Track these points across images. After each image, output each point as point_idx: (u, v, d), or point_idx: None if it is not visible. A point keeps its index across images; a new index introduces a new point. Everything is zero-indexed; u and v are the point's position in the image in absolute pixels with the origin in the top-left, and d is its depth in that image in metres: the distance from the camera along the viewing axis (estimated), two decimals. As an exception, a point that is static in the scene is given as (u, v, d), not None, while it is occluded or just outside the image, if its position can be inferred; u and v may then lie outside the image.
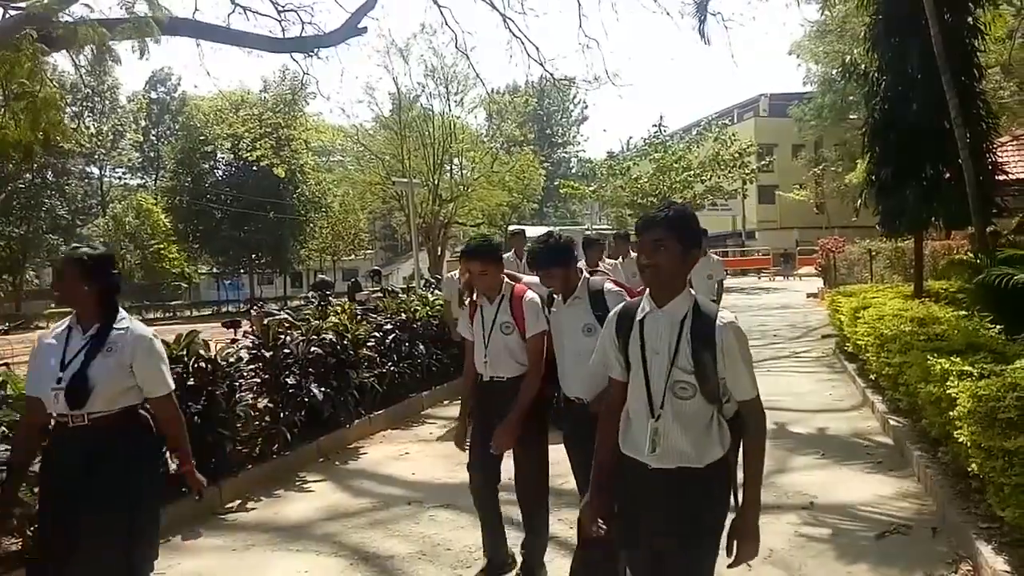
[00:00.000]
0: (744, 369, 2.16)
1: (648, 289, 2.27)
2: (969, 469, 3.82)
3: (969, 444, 3.64)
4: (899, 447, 5.60)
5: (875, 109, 8.90)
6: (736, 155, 32.64)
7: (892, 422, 5.99)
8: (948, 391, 4.03)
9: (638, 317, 2.25)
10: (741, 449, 2.26)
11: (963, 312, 6.49)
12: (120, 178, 59.10)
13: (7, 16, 7.32)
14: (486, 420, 3.61)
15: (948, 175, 8.40)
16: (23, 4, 7.41)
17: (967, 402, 3.65)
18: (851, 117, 34.30)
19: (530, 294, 3.60)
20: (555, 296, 3.42)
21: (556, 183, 41.67)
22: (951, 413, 3.91)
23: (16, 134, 6.18)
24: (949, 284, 9.29)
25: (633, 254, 7.61)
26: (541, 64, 16.47)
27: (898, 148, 8.52)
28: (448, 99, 31.66)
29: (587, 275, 3.41)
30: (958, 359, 4.39)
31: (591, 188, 36.35)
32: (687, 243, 2.18)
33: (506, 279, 3.69)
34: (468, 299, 3.92)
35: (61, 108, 6.81)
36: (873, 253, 17.12)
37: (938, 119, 8.02)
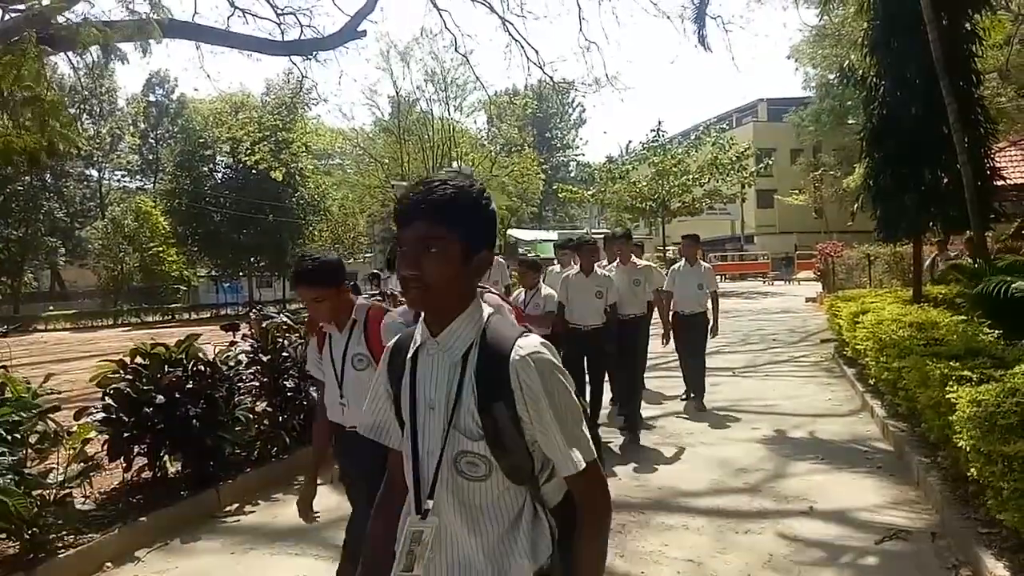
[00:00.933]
0: (557, 427, 1.35)
1: (424, 313, 1.47)
2: (969, 474, 3.82)
3: (968, 449, 3.64)
4: (898, 452, 5.60)
5: (873, 114, 8.91)
6: (734, 159, 32.67)
7: (891, 427, 5.99)
8: (947, 396, 4.03)
9: (410, 353, 1.49)
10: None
11: (962, 317, 6.49)
12: (119, 181, 59.09)
13: (6, 18, 7.33)
14: (362, 478, 2.76)
15: (946, 180, 8.41)
16: (21, 6, 7.42)
17: (966, 407, 3.65)
18: (849, 122, 34.37)
19: (388, 317, 2.94)
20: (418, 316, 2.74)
21: (554, 187, 41.70)
22: (950, 418, 3.91)
23: (21, 142, 6.17)
24: (948, 289, 9.31)
25: (637, 260, 7.20)
26: (540, 67, 16.58)
27: (896, 153, 8.53)
28: (447, 103, 31.71)
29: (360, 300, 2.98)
30: (957, 364, 4.39)
31: (590, 192, 36.38)
32: (472, 239, 1.39)
33: (359, 300, 3.07)
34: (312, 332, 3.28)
35: (66, 113, 6.79)
36: (872, 258, 17.14)
37: (936, 124, 8.04)
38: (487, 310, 1.47)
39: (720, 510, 4.69)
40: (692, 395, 7.84)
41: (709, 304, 7.71)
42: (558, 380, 1.38)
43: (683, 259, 7.95)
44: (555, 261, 7.73)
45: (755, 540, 4.16)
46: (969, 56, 8.41)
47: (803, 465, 5.59)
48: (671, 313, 7.77)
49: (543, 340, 1.40)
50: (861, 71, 9.57)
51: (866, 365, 7.46)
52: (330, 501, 5.23)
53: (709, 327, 7.71)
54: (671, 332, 7.74)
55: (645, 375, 7.84)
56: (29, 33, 6.24)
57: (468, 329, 1.43)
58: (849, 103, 30.90)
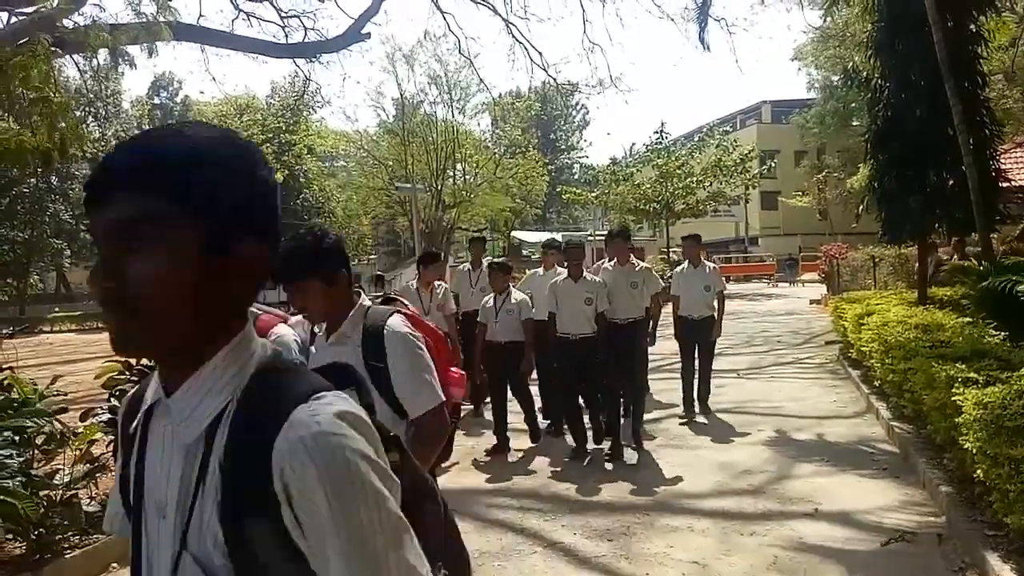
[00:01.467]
0: (344, 562, 0.77)
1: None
2: (975, 476, 3.81)
3: (975, 451, 3.63)
4: (904, 454, 5.59)
5: (878, 116, 8.89)
6: (738, 161, 32.63)
7: (897, 429, 5.98)
8: (954, 398, 4.02)
9: (138, 419, 0.94)
10: None
11: (968, 319, 6.48)
12: (124, 183, 59.18)
13: (13, 21, 7.37)
14: None
15: (952, 182, 8.39)
16: (29, 9, 7.46)
17: (973, 409, 3.64)
18: (853, 124, 34.35)
19: (279, 329, 2.56)
20: (315, 331, 2.39)
21: (558, 189, 41.73)
22: (957, 420, 3.90)
23: (34, 141, 6.22)
24: (954, 291, 9.28)
25: (637, 261, 6.76)
26: (544, 69, 16.59)
27: (901, 155, 8.51)
28: (451, 105, 31.75)
29: (366, 302, 2.25)
30: (963, 366, 4.38)
31: (594, 194, 36.35)
32: (221, 219, 0.83)
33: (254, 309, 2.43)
34: None
35: (73, 113, 6.83)
36: (876, 260, 17.10)
37: (941, 126, 8.01)
38: (259, 350, 0.89)
39: (725, 512, 4.68)
40: (691, 412, 7.34)
41: (717, 306, 7.41)
42: (356, 481, 0.78)
43: (686, 261, 7.66)
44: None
45: (760, 542, 4.15)
46: (974, 58, 8.39)
47: (808, 467, 5.58)
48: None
49: (346, 408, 0.82)
50: (865, 72, 9.56)
51: (871, 367, 7.44)
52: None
53: (714, 326, 7.37)
54: (677, 336, 7.47)
55: (648, 380, 7.67)
56: (39, 35, 6.27)
57: (219, 384, 0.85)
58: (853, 105, 30.86)
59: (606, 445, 6.21)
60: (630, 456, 6.04)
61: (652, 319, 6.73)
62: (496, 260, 6.89)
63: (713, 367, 7.70)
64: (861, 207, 10.01)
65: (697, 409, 7.42)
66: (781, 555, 3.95)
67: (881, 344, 6.67)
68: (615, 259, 6.61)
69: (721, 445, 6.34)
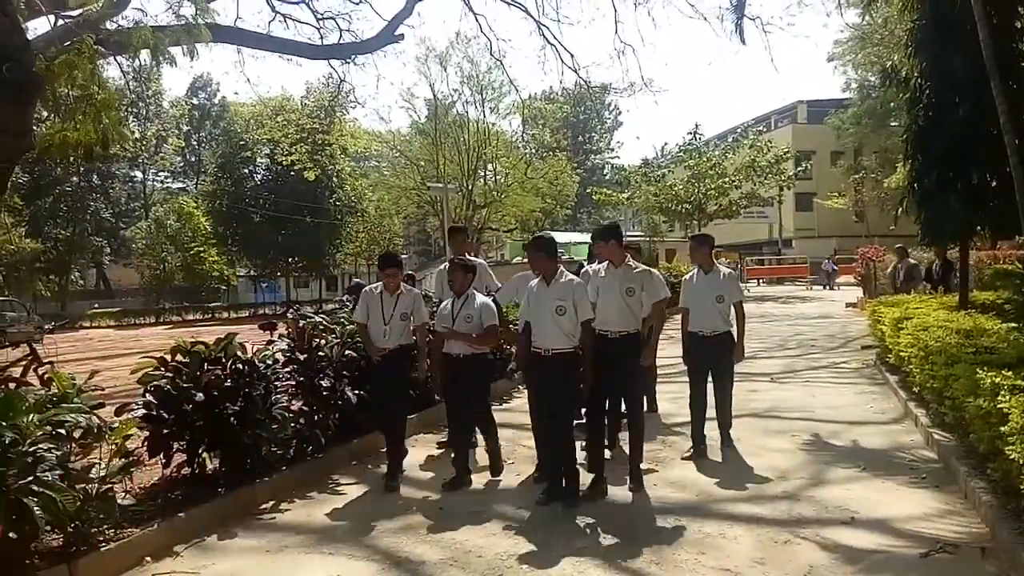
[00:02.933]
0: None
1: None
2: (1021, 487, 3.68)
3: (1022, 461, 3.51)
4: (944, 462, 5.43)
5: (918, 115, 8.70)
6: (772, 162, 32.19)
7: (936, 436, 5.82)
8: (999, 406, 3.89)
9: None
10: None
11: (1012, 324, 6.29)
12: (162, 182, 60.49)
13: (59, 23, 7.54)
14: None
15: (995, 183, 8.17)
16: (75, 12, 7.63)
17: (1019, 417, 3.52)
18: (891, 124, 33.66)
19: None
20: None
21: (589, 190, 41.58)
22: (1002, 428, 3.78)
23: (77, 135, 6.41)
24: (996, 295, 9.03)
25: (635, 263, 5.52)
26: (575, 71, 16.50)
27: (942, 155, 8.31)
28: (483, 105, 31.82)
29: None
30: (1009, 373, 4.24)
31: (624, 195, 36.15)
32: None
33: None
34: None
35: (117, 110, 7.01)
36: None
37: (985, 125, 7.81)
38: None
39: (758, 518, 4.59)
40: (700, 447, 6.06)
41: (736, 320, 6.15)
42: None
43: (696, 266, 6.39)
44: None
45: (795, 550, 4.06)
46: (1020, 55, 8.16)
47: (844, 474, 5.46)
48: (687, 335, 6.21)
49: None
50: (904, 72, 9.35)
51: (910, 372, 7.25)
52: (362, 504, 5.26)
53: (736, 344, 6.11)
54: (685, 354, 6.21)
55: (650, 407, 7.15)
56: (85, 36, 6.43)
57: None
58: (891, 104, 30.23)
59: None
60: (624, 496, 5.10)
61: (650, 331, 5.46)
62: (459, 258, 5.84)
63: (745, 371, 7.29)
64: (900, 208, 9.78)
65: (719, 442, 6.21)
66: (816, 564, 3.86)
67: (921, 349, 6.50)
68: (607, 261, 5.46)
69: (754, 450, 6.23)
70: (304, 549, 4.42)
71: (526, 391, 5.57)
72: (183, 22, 8.40)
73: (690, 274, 6.44)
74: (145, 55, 7.82)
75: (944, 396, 5.64)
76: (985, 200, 8.16)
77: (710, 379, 6.14)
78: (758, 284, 39.09)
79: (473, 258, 6.74)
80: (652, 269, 5.87)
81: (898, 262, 13.18)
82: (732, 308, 6.12)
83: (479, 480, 5.58)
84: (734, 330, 6.13)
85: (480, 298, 5.58)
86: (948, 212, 8.31)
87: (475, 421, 5.69)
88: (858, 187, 39.12)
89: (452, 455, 5.66)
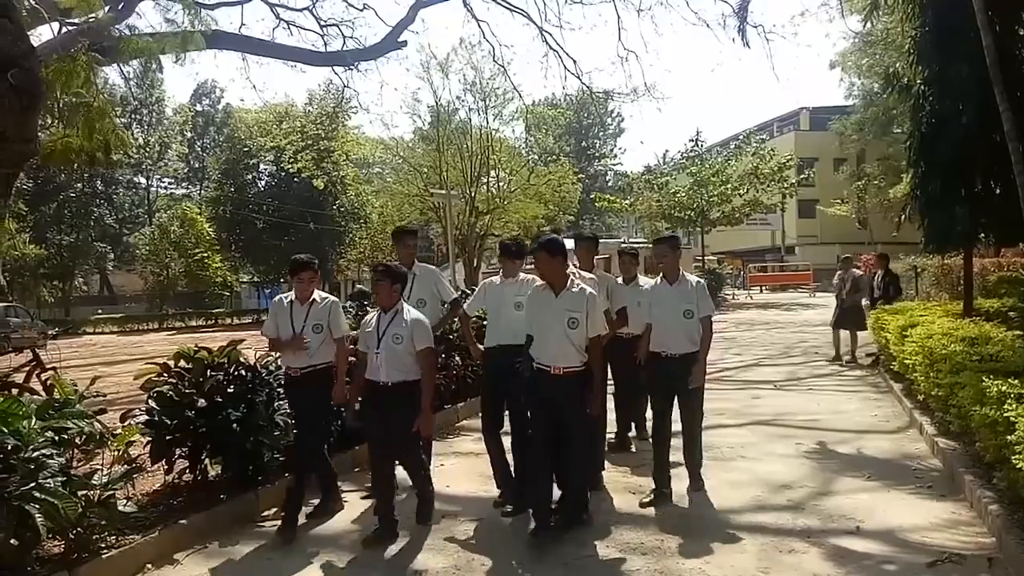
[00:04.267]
0: None
1: None
2: (1027, 497, 3.65)
3: (1028, 471, 3.49)
4: (949, 471, 5.40)
5: (922, 122, 8.69)
6: (775, 169, 32.18)
7: (942, 444, 5.79)
8: (1006, 414, 3.87)
9: None
10: None
11: (1018, 332, 6.26)
12: (166, 188, 60.63)
13: (62, 31, 7.58)
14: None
15: (999, 190, 8.16)
16: (77, 20, 7.66)
17: (1026, 426, 3.49)
18: (894, 131, 33.65)
19: None
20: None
21: (592, 196, 41.56)
22: (1008, 437, 3.75)
23: (79, 141, 6.45)
24: (1001, 303, 9.00)
25: (581, 273, 5.19)
26: (578, 77, 16.55)
27: (946, 162, 8.29)
28: (486, 112, 31.86)
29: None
30: (1016, 381, 4.23)
31: (627, 202, 36.14)
32: None
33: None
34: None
35: (113, 117, 7.03)
36: (919, 270, 16.70)
37: (988, 132, 7.80)
38: None
39: (763, 528, 4.56)
40: (663, 490, 5.14)
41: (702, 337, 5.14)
42: None
43: (659, 276, 5.38)
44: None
45: (800, 560, 4.03)
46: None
47: (849, 482, 5.43)
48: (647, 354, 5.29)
49: None
50: (907, 78, 9.35)
51: (915, 380, 7.23)
52: (365, 511, 5.24)
53: (695, 366, 5.04)
54: (647, 381, 5.50)
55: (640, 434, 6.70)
56: (81, 43, 6.47)
57: None
58: (894, 111, 30.24)
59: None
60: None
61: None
62: (383, 263, 4.99)
63: (749, 378, 7.34)
64: (903, 216, 9.77)
65: (688, 486, 5.26)
66: (821, 574, 3.83)
67: (925, 357, 6.47)
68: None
69: (758, 458, 6.20)
70: (307, 556, 4.39)
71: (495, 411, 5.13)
72: (181, 30, 8.45)
73: (652, 283, 5.56)
74: (138, 63, 7.89)
75: (950, 404, 5.61)
76: (989, 207, 8.15)
77: (676, 405, 5.23)
78: (761, 291, 39.06)
79: (421, 265, 5.86)
80: (608, 274, 5.76)
81: (843, 273, 11.85)
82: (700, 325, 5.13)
83: (487, 487, 5.53)
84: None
85: (412, 313, 4.65)
86: (952, 219, 8.30)
87: (402, 460, 4.82)
88: (861, 194, 39.08)
89: (374, 505, 4.79)
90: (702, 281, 5.33)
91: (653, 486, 5.18)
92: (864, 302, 11.73)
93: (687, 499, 5.16)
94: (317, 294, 5.06)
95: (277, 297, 5.28)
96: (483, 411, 5.30)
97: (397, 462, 4.76)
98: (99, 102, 6.51)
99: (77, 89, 6.13)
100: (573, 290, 4.46)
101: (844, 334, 11.69)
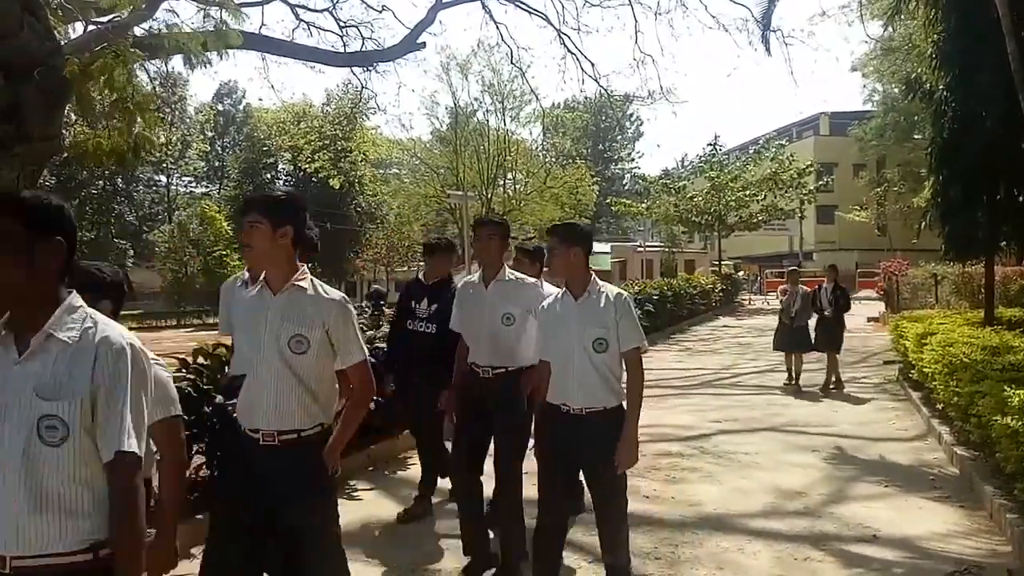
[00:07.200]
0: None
1: None
2: (1049, 508, 3.61)
3: (1049, 481, 3.44)
4: (968, 481, 5.34)
5: (944, 128, 8.62)
6: (794, 175, 31.96)
7: (961, 454, 5.73)
8: (1027, 424, 3.82)
9: None
10: None
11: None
12: (186, 186, 61.21)
13: (90, 29, 7.68)
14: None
15: (1022, 197, 8.07)
16: (105, 18, 7.76)
17: (1048, 437, 3.45)
18: (915, 137, 33.30)
19: None
20: None
21: (608, 200, 41.48)
22: (1030, 448, 3.70)
23: (110, 142, 6.49)
24: (1023, 312, 8.89)
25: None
26: (596, 80, 16.51)
27: (968, 168, 8.22)
28: (504, 114, 31.92)
29: None
30: (1038, 391, 4.17)
31: (644, 205, 36.05)
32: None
33: None
34: None
35: (153, 112, 7.08)
36: (938, 277, 16.53)
37: (1013, 139, 7.72)
38: None
39: (778, 534, 4.53)
40: None
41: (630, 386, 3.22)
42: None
43: (560, 289, 3.40)
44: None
45: (815, 568, 4.00)
46: (1050, 68, 8.05)
47: (866, 490, 5.38)
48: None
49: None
50: (929, 84, 9.27)
51: (933, 389, 7.16)
52: (380, 510, 5.26)
53: (621, 441, 3.11)
54: (537, 448, 3.44)
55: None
56: (122, 39, 6.52)
57: None
58: (915, 117, 29.94)
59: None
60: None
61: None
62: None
63: (761, 383, 7.34)
64: (923, 222, 9.68)
65: None
66: (837, 582, 3.81)
67: (945, 365, 6.41)
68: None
69: (774, 465, 6.16)
70: (320, 554, 4.41)
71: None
72: (214, 27, 8.51)
73: (549, 300, 3.49)
74: (177, 59, 7.94)
75: (969, 414, 5.55)
76: (1011, 215, 8.06)
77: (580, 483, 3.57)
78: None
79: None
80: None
81: (791, 288, 10.58)
82: (623, 363, 3.23)
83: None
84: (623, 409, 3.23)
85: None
86: (973, 226, 8.23)
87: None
88: (880, 200, 38.72)
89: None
90: (624, 294, 3.30)
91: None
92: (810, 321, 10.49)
93: (702, 505, 5.13)
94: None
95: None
96: (455, 447, 4.15)
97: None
98: (140, 96, 6.56)
99: (119, 85, 6.17)
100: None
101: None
